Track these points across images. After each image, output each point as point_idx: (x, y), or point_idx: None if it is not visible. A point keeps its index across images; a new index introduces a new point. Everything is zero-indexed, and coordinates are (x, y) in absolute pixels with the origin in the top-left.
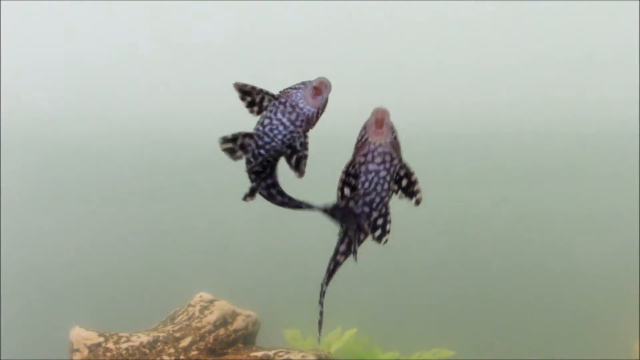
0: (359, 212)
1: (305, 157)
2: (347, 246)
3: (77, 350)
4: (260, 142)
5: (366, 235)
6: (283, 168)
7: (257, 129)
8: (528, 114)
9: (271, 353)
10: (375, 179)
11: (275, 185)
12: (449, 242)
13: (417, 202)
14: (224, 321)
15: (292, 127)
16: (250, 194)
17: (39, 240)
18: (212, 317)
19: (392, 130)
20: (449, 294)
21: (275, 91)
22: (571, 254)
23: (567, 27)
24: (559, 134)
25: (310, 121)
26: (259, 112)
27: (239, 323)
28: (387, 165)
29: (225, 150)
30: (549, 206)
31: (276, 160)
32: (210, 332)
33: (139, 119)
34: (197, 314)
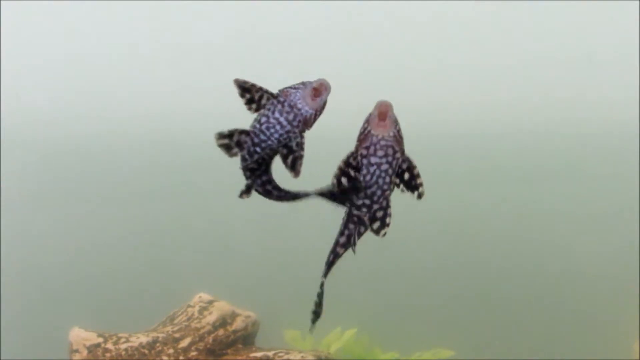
0: (359, 203)
1: (301, 157)
2: (347, 238)
3: (77, 350)
4: (256, 140)
5: (366, 228)
6: (279, 168)
7: (254, 127)
8: (528, 114)
9: (271, 354)
10: (377, 172)
11: (270, 181)
12: (449, 242)
13: (420, 196)
14: (223, 322)
15: (288, 127)
16: (247, 191)
17: (39, 240)
18: (211, 317)
19: (395, 123)
20: (449, 294)
21: (274, 91)
22: (571, 254)
23: (567, 27)
24: (559, 134)
25: (307, 122)
26: (257, 110)
27: (238, 324)
28: (390, 158)
29: (221, 146)
30: (549, 206)
31: (271, 158)
32: (209, 332)
33: (138, 119)
34: (196, 314)
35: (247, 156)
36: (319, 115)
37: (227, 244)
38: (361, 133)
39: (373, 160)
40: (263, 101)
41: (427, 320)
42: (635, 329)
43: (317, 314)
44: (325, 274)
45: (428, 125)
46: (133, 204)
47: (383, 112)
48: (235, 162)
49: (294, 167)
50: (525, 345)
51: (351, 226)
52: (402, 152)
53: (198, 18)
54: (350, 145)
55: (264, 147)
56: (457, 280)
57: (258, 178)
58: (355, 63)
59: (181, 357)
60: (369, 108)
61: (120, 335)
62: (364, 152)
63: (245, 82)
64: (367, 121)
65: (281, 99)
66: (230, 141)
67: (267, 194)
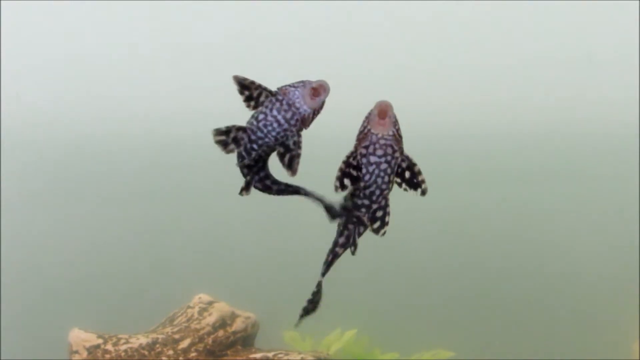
0: (359, 205)
1: (299, 155)
2: (346, 238)
3: (76, 352)
4: (253, 137)
5: (365, 227)
6: (277, 167)
7: (251, 123)
8: (528, 114)
9: (270, 355)
10: (376, 171)
11: (268, 176)
12: (449, 242)
13: (423, 193)
14: (223, 323)
15: (286, 125)
16: (246, 188)
17: (39, 240)
18: (211, 318)
19: (395, 122)
20: (448, 294)
21: (274, 89)
22: (571, 254)
23: (567, 27)
24: (559, 134)
25: (305, 121)
26: (255, 107)
27: (238, 325)
28: (389, 157)
29: (218, 142)
30: (549, 206)
31: (268, 155)
32: (209, 333)
33: (138, 119)
34: (196, 315)
35: (243, 153)
36: (317, 115)
37: (227, 245)
38: (360, 132)
39: (372, 159)
40: (262, 98)
41: (427, 320)
42: (635, 329)
43: (306, 310)
44: (324, 274)
45: (428, 125)
46: (133, 205)
47: (383, 111)
48: (235, 164)
49: (291, 165)
50: (525, 346)
51: (350, 226)
52: (401, 151)
53: (198, 18)
54: (349, 145)
55: (261, 144)
56: (457, 281)
57: (256, 174)
58: (355, 63)
59: (181, 358)
60: (368, 108)
61: (119, 336)
62: (363, 151)
63: (244, 79)
64: (367, 120)
65: (280, 97)
66: (227, 138)
67: (266, 189)
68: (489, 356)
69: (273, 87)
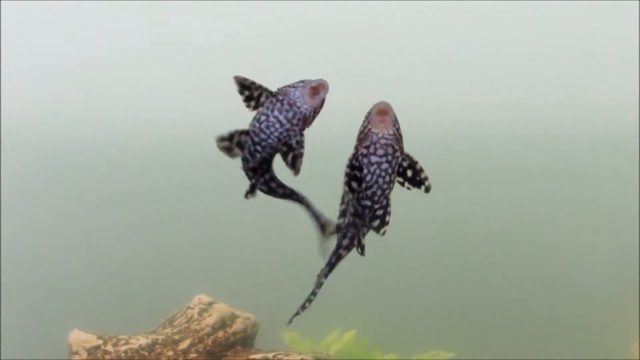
0: (362, 206)
1: (301, 155)
2: (350, 240)
3: (76, 352)
4: (256, 139)
5: (367, 229)
6: (279, 167)
7: (254, 125)
8: (528, 115)
9: (270, 355)
10: (377, 171)
11: (273, 179)
12: (448, 243)
13: (427, 190)
14: (222, 324)
15: (288, 125)
16: (251, 191)
17: (39, 241)
18: (210, 319)
19: (395, 122)
20: (448, 295)
21: (274, 89)
22: (571, 254)
23: (567, 27)
24: (559, 134)
25: (306, 120)
26: (255, 107)
27: (237, 325)
28: (390, 157)
29: (222, 149)
30: (549, 206)
31: (272, 157)
32: (209, 334)
33: (138, 120)
34: (195, 316)
35: (248, 156)
36: (318, 113)
37: (227, 245)
38: (361, 132)
39: (373, 159)
40: (262, 99)
41: (426, 321)
42: (635, 329)
43: (303, 309)
44: (327, 275)
45: (428, 125)
46: (133, 205)
47: (383, 110)
48: (235, 164)
49: (294, 165)
50: (524, 346)
51: (353, 229)
52: (402, 151)
53: (198, 19)
54: (349, 145)
55: (265, 146)
56: (457, 281)
57: (261, 177)
58: (355, 63)
59: (180, 359)
60: (368, 108)
61: (119, 337)
62: (364, 151)
63: (245, 80)
64: (367, 120)
65: (280, 97)
66: (231, 143)
67: (271, 191)
68: (489, 356)
69: (273, 87)
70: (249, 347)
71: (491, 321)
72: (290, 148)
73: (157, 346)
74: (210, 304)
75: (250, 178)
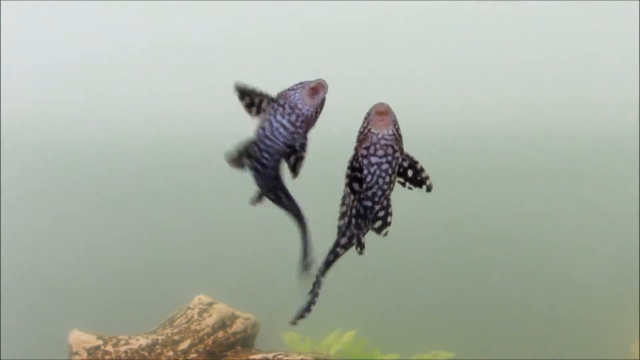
0: (363, 207)
1: (303, 158)
2: (348, 239)
3: (76, 353)
4: (262, 146)
5: (368, 229)
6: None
7: (258, 133)
8: (528, 115)
9: (270, 356)
10: (378, 172)
11: (283, 188)
12: (449, 243)
13: (429, 189)
14: (222, 324)
15: (292, 129)
16: (258, 199)
17: (39, 241)
18: (211, 319)
19: (395, 122)
20: (448, 295)
21: (274, 92)
22: (571, 254)
23: (567, 27)
24: (559, 134)
25: (309, 121)
26: (257, 113)
27: (237, 326)
28: (390, 158)
29: (233, 165)
30: (549, 206)
31: (279, 162)
32: (209, 334)
33: (138, 120)
34: (196, 316)
35: (258, 166)
36: (319, 113)
37: (227, 245)
38: (360, 133)
39: (373, 160)
40: (263, 105)
41: (426, 321)
42: (635, 329)
43: (305, 309)
44: (323, 273)
45: (428, 125)
46: (133, 205)
47: (382, 110)
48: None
49: (294, 167)
50: (525, 346)
51: (353, 229)
52: (402, 151)
53: (198, 19)
54: (349, 145)
55: (272, 152)
56: (457, 281)
57: (270, 183)
58: (355, 63)
59: (181, 359)
60: (368, 108)
61: (119, 337)
62: (364, 152)
63: (245, 87)
64: (367, 120)
65: (281, 102)
66: (241, 160)
67: (277, 200)
68: (489, 356)
69: (274, 88)
70: (249, 347)
71: (491, 321)
72: (294, 151)
73: (157, 346)
74: (210, 304)
75: (272, 200)
